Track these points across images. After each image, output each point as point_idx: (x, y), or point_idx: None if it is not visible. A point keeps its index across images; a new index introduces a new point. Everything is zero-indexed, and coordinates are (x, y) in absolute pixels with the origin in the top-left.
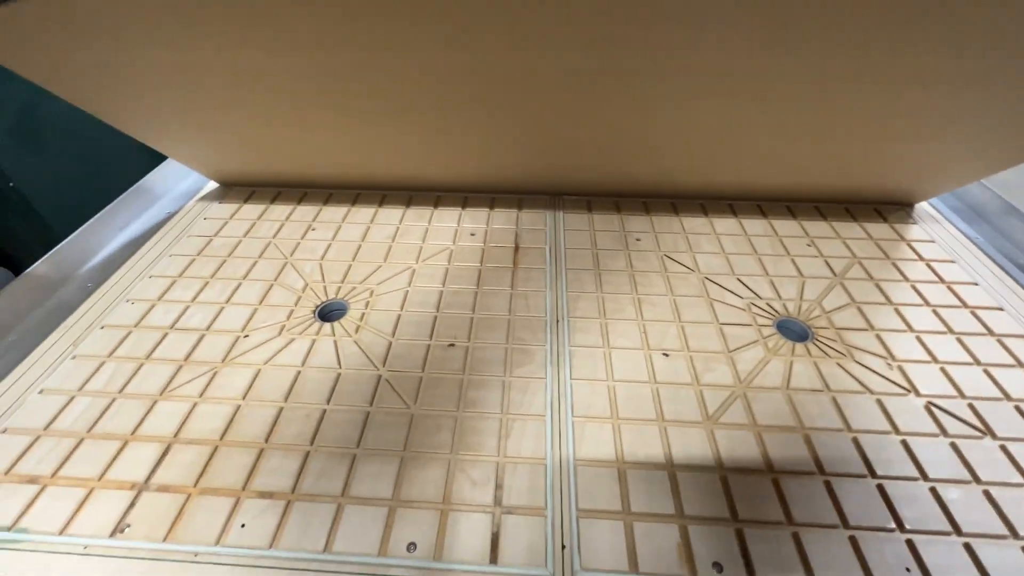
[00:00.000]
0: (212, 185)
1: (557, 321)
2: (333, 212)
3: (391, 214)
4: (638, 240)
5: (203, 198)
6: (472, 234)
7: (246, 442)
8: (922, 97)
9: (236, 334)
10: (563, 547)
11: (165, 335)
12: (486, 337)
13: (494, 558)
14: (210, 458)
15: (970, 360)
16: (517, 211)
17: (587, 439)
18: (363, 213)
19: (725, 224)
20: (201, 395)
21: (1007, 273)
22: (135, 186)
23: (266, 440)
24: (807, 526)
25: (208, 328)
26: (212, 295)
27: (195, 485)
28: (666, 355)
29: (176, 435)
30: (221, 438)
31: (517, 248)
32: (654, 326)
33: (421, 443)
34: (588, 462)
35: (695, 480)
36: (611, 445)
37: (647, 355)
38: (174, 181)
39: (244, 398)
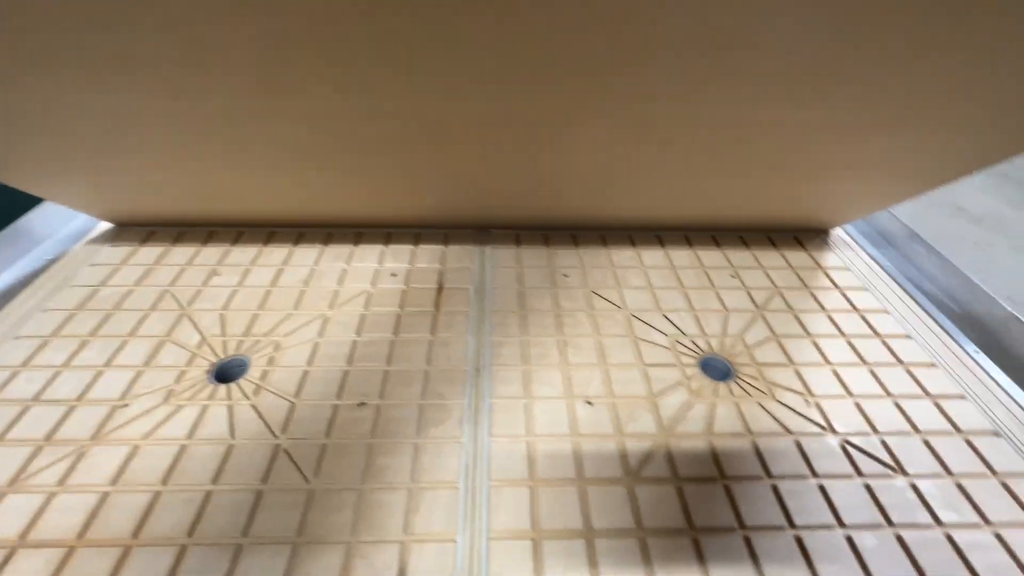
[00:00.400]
0: (104, 226)
1: (478, 371)
2: (242, 254)
3: (306, 254)
4: (566, 276)
5: (92, 241)
6: (393, 275)
7: (110, 539)
8: (830, 141)
9: (113, 404)
10: None
11: (25, 409)
12: (400, 394)
13: None
14: (62, 564)
15: (882, 392)
16: (443, 247)
17: (503, 508)
18: (276, 254)
19: (652, 256)
20: (61, 483)
21: (914, 299)
22: (10, 227)
23: (135, 535)
24: None
25: (79, 398)
26: (90, 357)
27: None
28: (589, 403)
29: (23, 536)
30: (80, 536)
31: (441, 289)
32: (579, 371)
33: (318, 526)
34: (502, 534)
35: (614, 547)
36: (527, 513)
37: (570, 404)
38: (59, 221)
39: (114, 483)
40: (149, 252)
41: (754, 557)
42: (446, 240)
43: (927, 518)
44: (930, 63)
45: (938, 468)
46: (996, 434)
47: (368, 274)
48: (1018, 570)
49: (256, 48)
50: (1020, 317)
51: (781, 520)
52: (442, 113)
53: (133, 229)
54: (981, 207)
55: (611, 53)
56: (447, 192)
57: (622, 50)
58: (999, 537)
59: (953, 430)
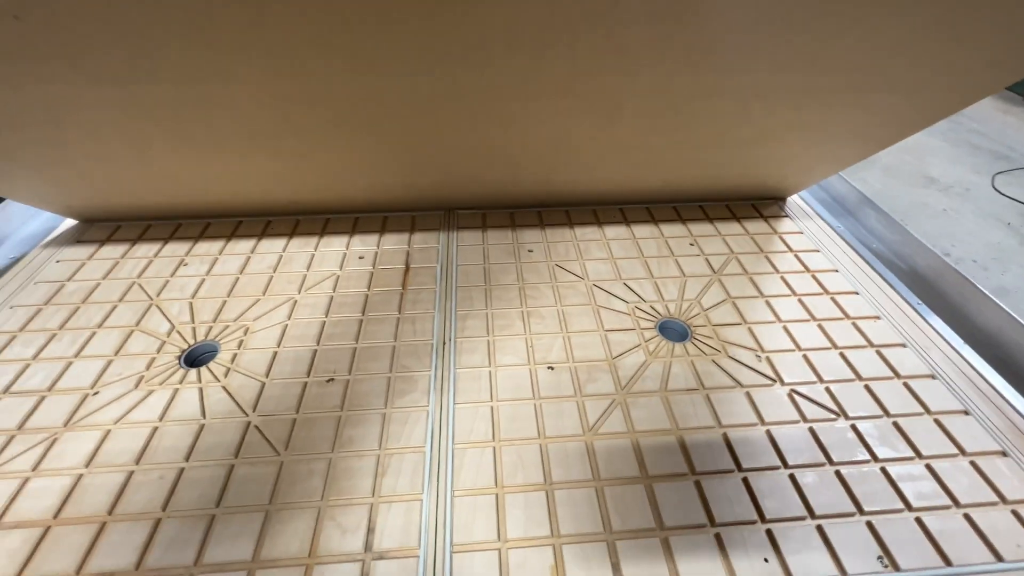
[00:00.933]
0: (69, 223)
1: (444, 344)
2: (209, 244)
3: (274, 242)
4: (530, 251)
5: (56, 238)
6: (361, 257)
7: (85, 517)
8: (764, 108)
9: (84, 392)
10: None
11: None
12: (368, 368)
13: None
14: (39, 542)
15: (828, 345)
16: (410, 229)
17: (466, 467)
18: (243, 243)
19: (615, 229)
20: (35, 468)
21: (863, 259)
22: None
23: (109, 512)
24: (676, 529)
25: (50, 388)
26: (58, 349)
27: None
28: (551, 368)
29: None
30: (55, 516)
31: (407, 269)
32: (541, 339)
33: (289, 493)
34: (466, 492)
35: (571, 497)
36: (490, 471)
37: (532, 370)
38: (21, 219)
39: (87, 466)
40: (115, 246)
41: (704, 499)
42: (413, 222)
43: (864, 454)
44: (866, 29)
45: (877, 410)
46: (932, 376)
47: (336, 258)
48: (944, 496)
49: (194, 37)
50: (959, 270)
51: (730, 464)
52: (377, 96)
53: (98, 225)
54: (950, 176)
55: (544, 30)
56: (403, 175)
57: (556, 26)
58: (929, 467)
59: (893, 375)
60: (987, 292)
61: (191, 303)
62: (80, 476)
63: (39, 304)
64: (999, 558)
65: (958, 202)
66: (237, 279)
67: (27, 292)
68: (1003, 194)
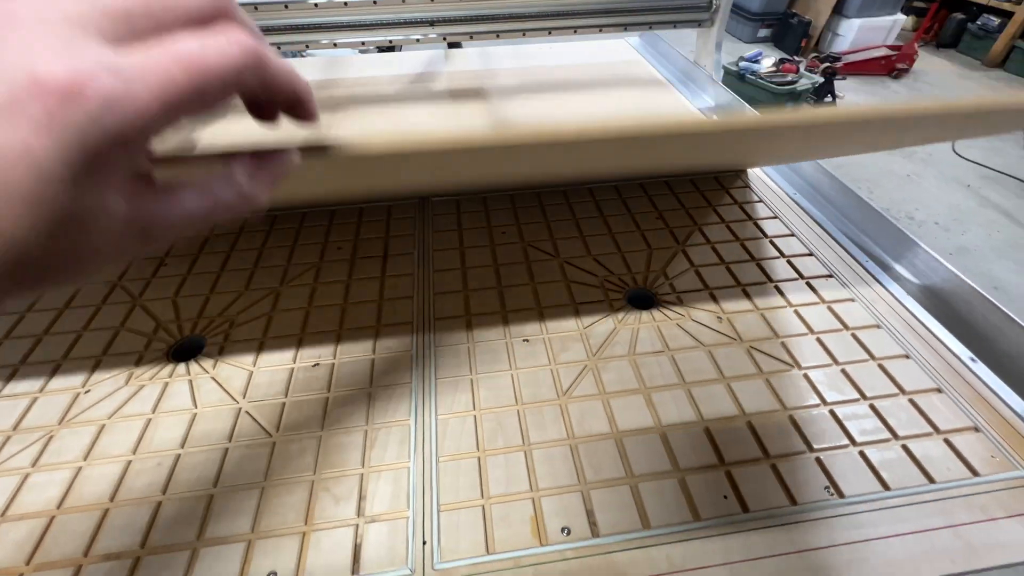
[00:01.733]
0: None
1: (424, 324)
2: (188, 244)
3: (252, 238)
4: (503, 234)
5: None
6: (339, 248)
7: (88, 505)
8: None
9: (75, 391)
10: (424, 543)
11: None
12: (352, 351)
13: (356, 568)
14: (45, 530)
15: (784, 304)
16: (386, 219)
17: (449, 435)
18: (222, 241)
19: (584, 208)
20: (34, 464)
21: (816, 222)
22: None
23: (111, 499)
24: (645, 476)
25: (41, 390)
26: (46, 353)
27: (28, 563)
28: (526, 341)
29: (3, 514)
30: (59, 506)
31: (385, 256)
32: (516, 315)
33: (283, 470)
34: (450, 457)
35: (548, 455)
36: (472, 437)
37: (508, 344)
38: None
39: (86, 459)
40: None
41: (669, 449)
42: (389, 212)
43: (815, 399)
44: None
45: (827, 359)
46: (878, 327)
47: (315, 251)
48: (885, 430)
49: None
50: (904, 230)
51: (693, 416)
52: None
53: None
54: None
55: None
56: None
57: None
58: (872, 407)
59: (842, 327)
60: (926, 247)
61: (174, 301)
62: (79, 468)
63: (21, 312)
64: (931, 480)
65: (921, 167)
66: (218, 275)
67: None
68: (963, 157)
